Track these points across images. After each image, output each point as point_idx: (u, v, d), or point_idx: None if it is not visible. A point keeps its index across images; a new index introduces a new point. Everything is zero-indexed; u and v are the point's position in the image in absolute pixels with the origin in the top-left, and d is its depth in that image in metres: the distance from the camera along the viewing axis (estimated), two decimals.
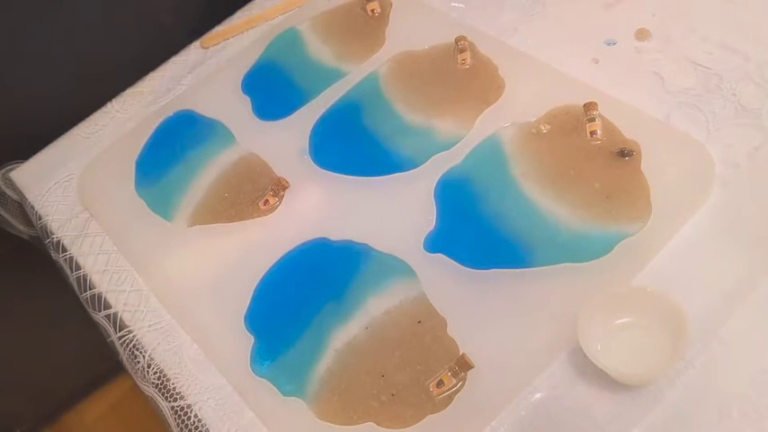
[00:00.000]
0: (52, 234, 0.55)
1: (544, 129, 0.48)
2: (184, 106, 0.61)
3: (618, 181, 0.44)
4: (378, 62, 0.57)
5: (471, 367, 0.39)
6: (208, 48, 0.66)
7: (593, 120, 0.47)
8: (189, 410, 0.43)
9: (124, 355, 0.48)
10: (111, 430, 0.96)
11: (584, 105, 0.47)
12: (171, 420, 0.44)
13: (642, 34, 0.52)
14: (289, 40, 0.62)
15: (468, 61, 0.54)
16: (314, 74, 0.59)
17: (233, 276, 0.48)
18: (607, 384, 0.37)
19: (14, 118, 0.62)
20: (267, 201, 0.51)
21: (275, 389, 0.42)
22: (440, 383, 0.39)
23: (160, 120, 0.60)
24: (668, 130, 0.46)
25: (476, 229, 0.45)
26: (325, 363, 0.42)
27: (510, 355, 0.39)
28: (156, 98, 0.63)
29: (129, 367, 0.48)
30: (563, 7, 0.56)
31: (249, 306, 0.46)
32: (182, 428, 0.43)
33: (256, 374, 0.43)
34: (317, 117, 0.55)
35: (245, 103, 0.59)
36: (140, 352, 0.47)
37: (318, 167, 0.52)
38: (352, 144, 0.53)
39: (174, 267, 0.50)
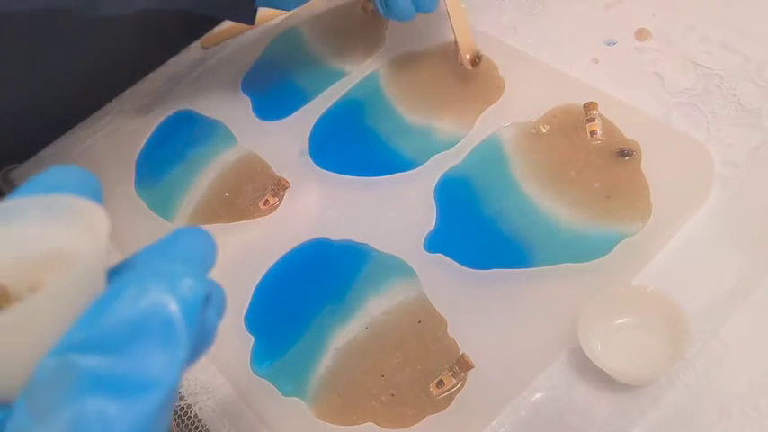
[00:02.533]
0: None
1: (544, 129, 0.48)
2: (184, 106, 0.61)
3: (618, 181, 0.44)
4: (378, 62, 0.57)
5: (471, 367, 0.39)
6: (208, 48, 0.66)
7: (593, 120, 0.47)
8: (189, 410, 0.43)
9: None
10: None
11: (584, 105, 0.47)
12: (171, 420, 0.44)
13: (642, 34, 0.52)
14: (289, 40, 0.62)
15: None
16: (314, 74, 0.59)
17: (233, 276, 0.48)
18: (607, 384, 0.37)
19: (14, 118, 0.62)
20: (267, 201, 0.51)
21: (275, 389, 0.42)
22: (440, 383, 0.39)
23: (160, 120, 0.60)
24: (668, 130, 0.46)
25: (476, 229, 0.45)
26: (325, 363, 0.42)
27: (510, 355, 0.39)
28: (156, 98, 0.63)
29: None
30: (563, 7, 0.56)
31: (249, 306, 0.46)
32: (182, 428, 0.43)
33: (256, 374, 0.43)
34: (317, 117, 0.55)
35: (245, 103, 0.59)
36: None
37: (318, 167, 0.52)
38: (353, 144, 0.53)
39: None
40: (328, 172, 0.52)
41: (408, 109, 0.53)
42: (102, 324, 0.17)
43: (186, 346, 0.17)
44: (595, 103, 0.47)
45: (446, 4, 0.51)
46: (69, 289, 0.17)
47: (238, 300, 0.46)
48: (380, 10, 0.50)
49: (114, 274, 0.19)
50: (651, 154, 0.45)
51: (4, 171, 0.62)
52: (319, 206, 0.50)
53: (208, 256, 0.21)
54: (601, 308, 0.38)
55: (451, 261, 0.44)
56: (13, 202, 0.20)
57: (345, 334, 0.43)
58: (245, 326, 0.45)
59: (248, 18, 0.50)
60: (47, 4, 0.40)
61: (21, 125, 0.63)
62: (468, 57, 0.51)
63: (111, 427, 0.16)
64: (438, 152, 0.49)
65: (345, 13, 0.63)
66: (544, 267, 0.42)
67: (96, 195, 0.21)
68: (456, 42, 0.54)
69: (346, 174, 0.51)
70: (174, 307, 0.17)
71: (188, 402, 0.44)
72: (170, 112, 0.61)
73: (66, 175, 0.21)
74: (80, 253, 0.19)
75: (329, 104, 0.56)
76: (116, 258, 0.20)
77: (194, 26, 0.67)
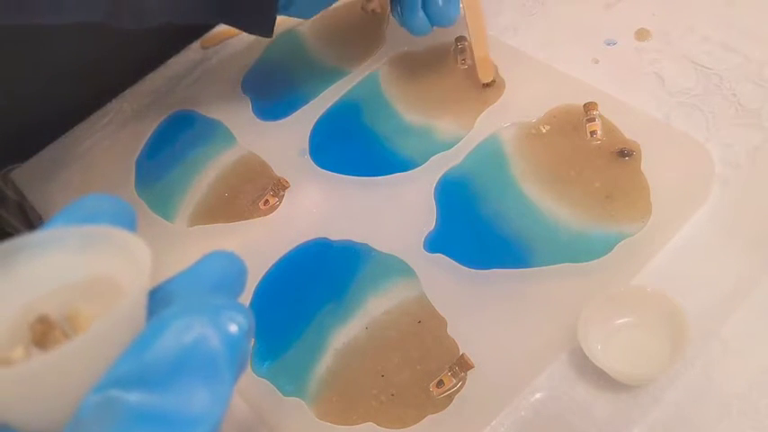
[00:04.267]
0: None
1: (544, 129, 0.48)
2: (184, 106, 0.61)
3: (618, 181, 0.44)
4: (378, 62, 0.57)
5: (471, 367, 0.39)
6: (208, 48, 0.66)
7: (593, 120, 0.47)
8: None
9: None
10: None
11: (584, 105, 0.47)
12: None
13: (642, 34, 0.52)
14: (289, 40, 0.63)
15: (468, 61, 0.54)
16: (314, 74, 0.59)
17: None
18: (607, 384, 0.37)
19: (14, 118, 0.62)
20: (267, 201, 0.51)
21: (275, 389, 0.42)
22: (440, 383, 0.39)
23: (160, 120, 0.60)
24: (668, 130, 0.46)
25: (476, 229, 0.45)
26: (325, 363, 0.42)
27: (510, 355, 0.39)
28: (156, 98, 0.63)
29: None
30: (563, 7, 0.56)
31: (249, 306, 0.46)
32: None
33: (256, 374, 0.43)
34: (317, 117, 0.55)
35: (245, 103, 0.59)
36: None
37: (318, 167, 0.52)
38: (353, 144, 0.53)
39: (174, 267, 0.49)
40: (328, 172, 0.52)
41: (408, 109, 0.53)
42: (145, 360, 0.17)
43: (231, 381, 0.17)
44: (595, 103, 0.47)
45: (467, 26, 0.51)
46: (116, 327, 0.17)
47: (238, 300, 0.46)
48: (397, 20, 0.51)
49: (151, 301, 0.19)
50: (651, 154, 0.45)
51: (4, 171, 0.62)
52: (319, 206, 0.50)
53: (240, 280, 0.22)
54: (601, 308, 0.38)
55: (451, 261, 0.44)
56: (50, 232, 0.20)
57: (345, 334, 0.43)
58: None
59: (267, 30, 0.50)
60: (74, 18, 0.40)
61: (21, 125, 0.63)
62: (483, 81, 0.52)
63: None
64: (438, 152, 0.49)
65: (345, 13, 0.63)
66: (544, 267, 0.42)
67: (131, 225, 0.21)
68: (458, 47, 0.54)
69: (346, 174, 0.51)
70: (217, 343, 0.17)
71: None
72: (170, 112, 0.61)
73: (101, 204, 0.21)
74: (124, 285, 0.19)
75: (329, 104, 0.56)
76: None
77: (194, 26, 0.67)
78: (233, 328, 0.18)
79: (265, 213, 0.51)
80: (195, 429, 0.16)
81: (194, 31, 0.67)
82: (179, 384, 0.17)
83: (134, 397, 0.16)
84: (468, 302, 0.42)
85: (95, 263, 0.20)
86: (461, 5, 0.50)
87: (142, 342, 0.17)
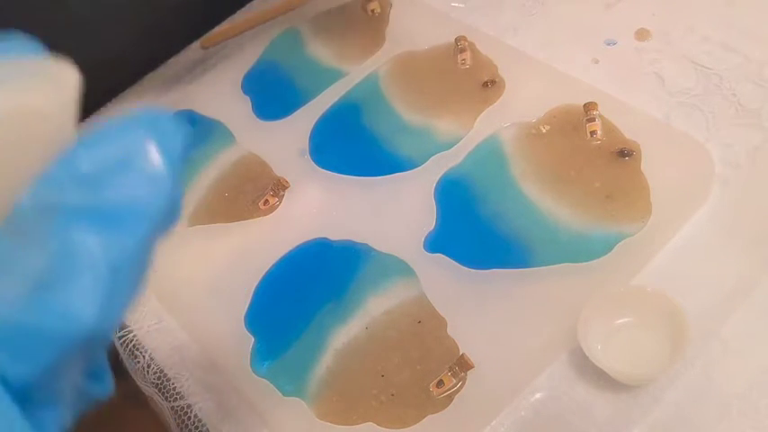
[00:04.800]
0: None
1: (544, 129, 0.48)
2: (184, 106, 0.61)
3: (618, 181, 0.44)
4: (378, 62, 0.57)
5: (471, 367, 0.39)
6: (208, 48, 0.66)
7: (593, 120, 0.47)
8: (189, 410, 0.43)
9: (124, 355, 0.48)
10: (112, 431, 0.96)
11: (584, 105, 0.47)
12: (171, 420, 0.44)
13: (642, 34, 0.52)
14: (289, 40, 0.62)
15: (468, 61, 0.54)
16: (314, 74, 0.59)
17: (233, 276, 0.48)
18: (607, 384, 0.37)
19: None
20: (267, 201, 0.51)
21: (275, 389, 0.42)
22: (440, 383, 0.39)
23: None
24: (668, 130, 0.46)
25: (476, 229, 0.45)
26: (324, 363, 0.42)
27: (510, 355, 0.39)
28: (157, 98, 0.63)
29: (128, 367, 0.48)
30: (563, 7, 0.56)
31: (249, 306, 0.46)
32: (182, 428, 0.43)
33: (256, 374, 0.43)
34: (317, 117, 0.55)
35: (245, 103, 0.59)
36: (140, 352, 0.47)
37: (318, 167, 0.52)
38: (352, 144, 0.53)
39: (174, 267, 0.50)
40: (328, 172, 0.52)
41: (408, 109, 0.53)
42: (83, 161, 0.17)
43: (172, 177, 0.17)
44: (595, 103, 0.47)
45: None
46: (30, 137, 0.16)
47: (238, 300, 0.46)
48: None
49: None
50: (651, 154, 0.45)
51: None
52: (319, 206, 0.50)
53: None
54: (600, 308, 0.38)
55: (451, 261, 0.44)
56: None
57: (345, 334, 0.43)
58: (245, 326, 0.45)
59: None
60: None
61: None
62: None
63: (96, 258, 0.16)
64: (438, 152, 0.49)
65: (345, 13, 0.63)
66: (544, 267, 0.42)
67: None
68: (458, 47, 0.54)
69: (346, 174, 0.51)
70: (154, 146, 0.17)
71: (188, 402, 0.44)
72: (170, 113, 0.60)
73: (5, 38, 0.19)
74: (49, 114, 0.18)
75: (329, 104, 0.56)
76: None
77: (194, 26, 0.67)
78: (170, 132, 0.18)
79: (265, 213, 0.51)
80: (137, 224, 0.17)
81: (194, 31, 0.67)
82: (117, 182, 0.17)
83: (71, 195, 0.16)
84: (468, 302, 0.42)
85: (11, 95, 0.18)
86: None
87: (79, 147, 0.17)
